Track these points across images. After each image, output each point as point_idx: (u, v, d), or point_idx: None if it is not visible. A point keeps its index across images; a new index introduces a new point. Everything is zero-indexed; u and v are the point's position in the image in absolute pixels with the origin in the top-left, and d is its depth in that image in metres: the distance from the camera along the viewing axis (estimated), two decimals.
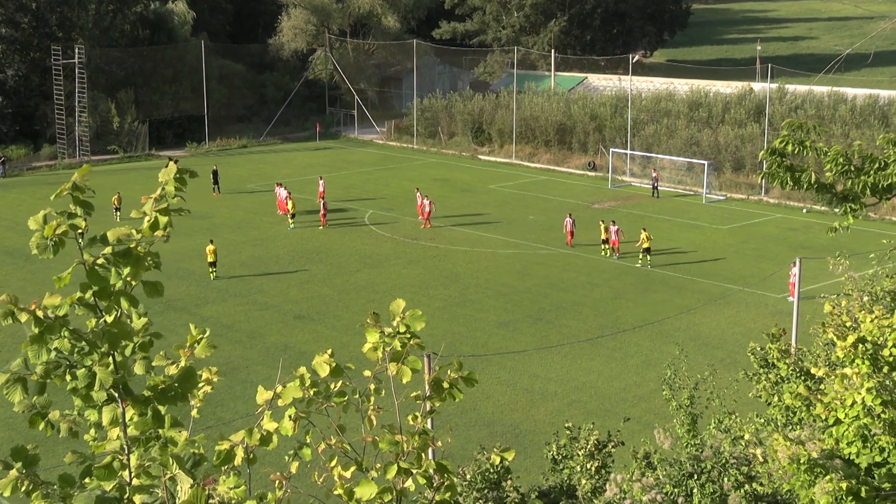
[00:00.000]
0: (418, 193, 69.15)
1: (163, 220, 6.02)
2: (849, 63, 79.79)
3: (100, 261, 5.73)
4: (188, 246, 60.68)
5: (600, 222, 61.79)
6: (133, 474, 5.89)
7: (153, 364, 6.02)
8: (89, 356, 5.75)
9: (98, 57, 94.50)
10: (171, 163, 6.27)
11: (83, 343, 5.74)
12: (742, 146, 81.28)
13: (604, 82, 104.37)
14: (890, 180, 15.91)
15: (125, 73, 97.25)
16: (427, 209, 66.75)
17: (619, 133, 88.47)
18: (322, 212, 67.39)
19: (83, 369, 5.77)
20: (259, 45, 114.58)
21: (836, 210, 16.83)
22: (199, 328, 6.51)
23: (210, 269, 55.46)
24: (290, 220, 66.86)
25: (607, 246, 59.86)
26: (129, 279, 5.81)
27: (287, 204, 68.01)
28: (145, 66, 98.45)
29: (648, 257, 58.24)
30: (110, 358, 5.78)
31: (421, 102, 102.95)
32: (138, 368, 5.94)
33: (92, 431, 6.14)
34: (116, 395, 5.86)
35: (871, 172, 16.06)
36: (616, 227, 60.08)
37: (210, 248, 55.66)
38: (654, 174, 78.77)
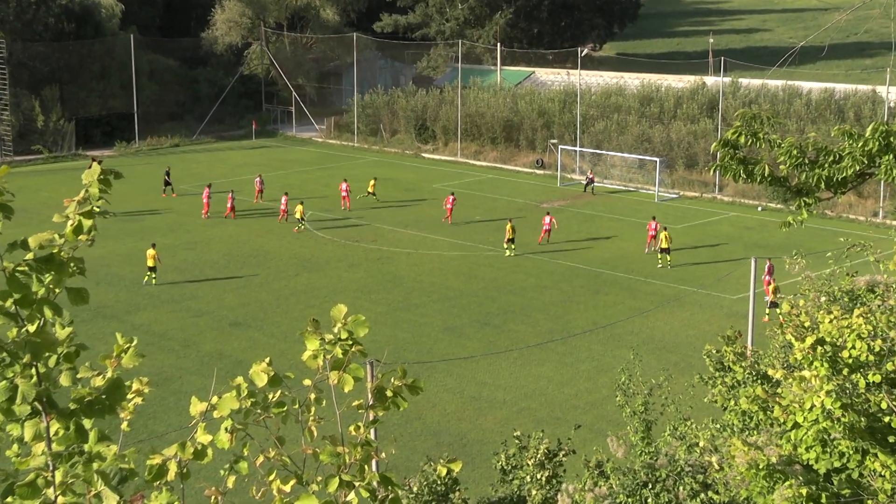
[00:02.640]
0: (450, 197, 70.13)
1: (87, 223, 5.94)
2: (803, 56, 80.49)
3: (21, 267, 5.65)
4: (117, 250, 60.21)
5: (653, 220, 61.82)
6: (58, 492, 5.81)
7: (79, 375, 5.94)
8: (10, 368, 5.66)
9: (20, 51, 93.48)
10: (95, 163, 6.19)
11: (4, 354, 5.65)
12: (695, 142, 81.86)
13: (552, 77, 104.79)
14: (845, 174, 16.05)
15: (50, 69, 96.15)
16: (449, 205, 68.84)
17: (568, 129, 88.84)
18: (230, 205, 69.09)
19: (4, 382, 5.68)
20: (191, 39, 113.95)
21: (791, 206, 16.97)
22: (126, 337, 6.44)
23: (149, 274, 54.93)
24: (301, 224, 66.11)
25: (657, 250, 59.50)
26: (52, 286, 5.73)
27: (286, 208, 68.02)
28: (71, 61, 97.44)
29: (668, 257, 58.46)
30: (33, 370, 5.69)
31: (362, 98, 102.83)
32: (63, 380, 5.86)
33: (15, 447, 6.05)
34: (40, 408, 5.77)
35: (826, 165, 16.19)
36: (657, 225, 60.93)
37: (151, 252, 55.10)
38: (589, 175, 79.61)
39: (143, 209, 71.50)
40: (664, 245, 58.31)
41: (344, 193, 72.83)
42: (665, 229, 59.42)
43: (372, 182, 75.86)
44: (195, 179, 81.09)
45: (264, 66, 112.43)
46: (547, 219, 63.47)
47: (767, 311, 48.73)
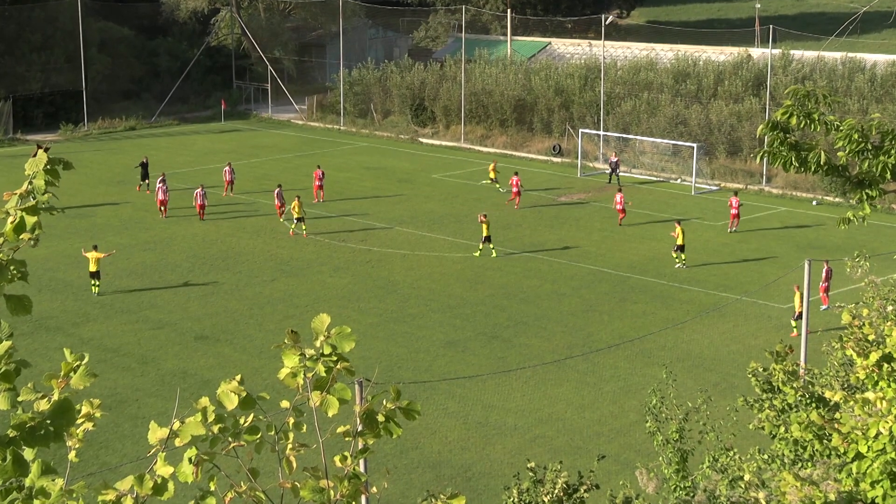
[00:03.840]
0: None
1: (30, 220, 5.96)
2: (866, 23, 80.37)
3: None
4: (64, 251, 60.25)
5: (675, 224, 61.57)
6: None
7: (19, 398, 5.96)
8: None
9: None
10: (41, 150, 6.21)
11: None
12: (738, 125, 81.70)
13: (570, 48, 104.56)
14: None
15: None
16: (515, 189, 70.72)
17: (591, 110, 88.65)
18: (200, 203, 68.62)
19: None
20: (149, 5, 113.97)
21: (851, 199, 16.94)
22: (76, 353, 6.45)
23: (92, 282, 54.85)
24: (302, 225, 64.64)
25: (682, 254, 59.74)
26: None
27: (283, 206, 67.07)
28: (7, 29, 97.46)
29: (683, 255, 58.61)
30: None
31: (349, 74, 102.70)
32: (1, 403, 5.88)
33: None
34: None
35: (893, 152, 16.14)
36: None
37: (93, 255, 54.80)
38: (612, 158, 79.47)
39: (92, 203, 71.55)
40: (679, 242, 58.54)
41: (317, 182, 73.20)
42: (679, 223, 59.55)
43: (492, 165, 76.54)
44: (154, 168, 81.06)
45: (235, 36, 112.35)
46: (618, 196, 66.91)
47: (794, 322, 48.73)
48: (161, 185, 69.23)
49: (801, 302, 48.26)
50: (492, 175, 76.66)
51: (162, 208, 68.84)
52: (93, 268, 54.70)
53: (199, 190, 68.98)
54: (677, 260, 58.77)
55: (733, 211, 65.87)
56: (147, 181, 75.26)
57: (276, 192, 68.70)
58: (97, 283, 54.89)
